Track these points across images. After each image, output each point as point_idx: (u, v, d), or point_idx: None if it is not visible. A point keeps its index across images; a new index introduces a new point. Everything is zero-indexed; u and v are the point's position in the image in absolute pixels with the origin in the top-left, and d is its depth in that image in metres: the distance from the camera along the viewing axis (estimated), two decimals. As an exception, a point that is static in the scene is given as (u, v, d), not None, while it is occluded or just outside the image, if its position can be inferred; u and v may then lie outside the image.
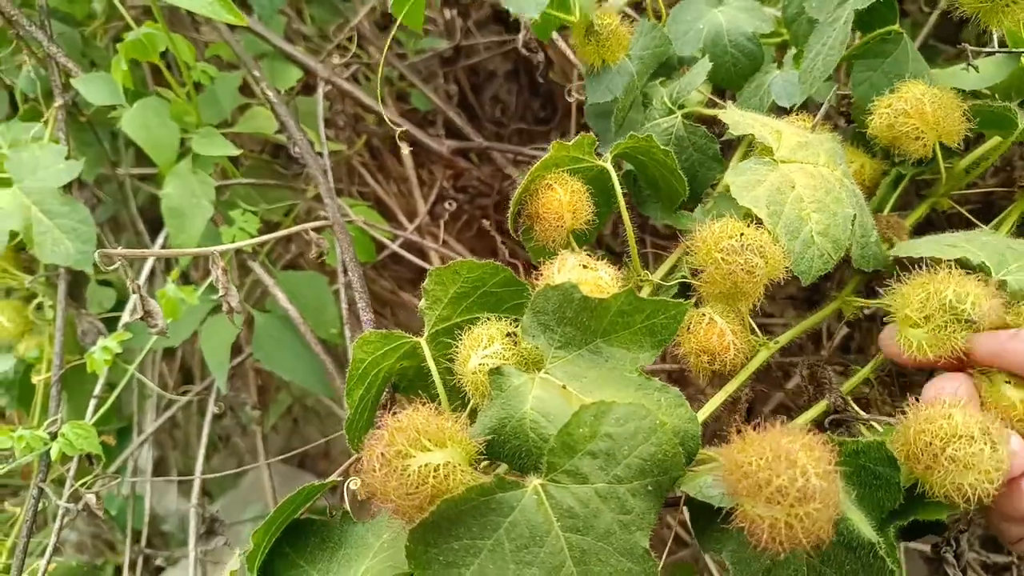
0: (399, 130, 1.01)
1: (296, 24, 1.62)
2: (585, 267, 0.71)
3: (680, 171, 0.84)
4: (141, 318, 0.85)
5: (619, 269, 0.86)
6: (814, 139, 0.82)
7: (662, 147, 0.82)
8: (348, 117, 1.51)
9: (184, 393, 1.43)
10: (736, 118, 0.82)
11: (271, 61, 1.42)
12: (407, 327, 1.75)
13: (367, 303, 0.95)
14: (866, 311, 0.84)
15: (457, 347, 0.73)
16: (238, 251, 1.27)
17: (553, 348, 0.69)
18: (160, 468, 1.73)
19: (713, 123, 0.99)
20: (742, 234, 0.70)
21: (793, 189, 0.75)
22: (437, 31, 1.72)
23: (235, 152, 1.20)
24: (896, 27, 0.90)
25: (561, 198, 0.80)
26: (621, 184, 0.91)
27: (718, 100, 0.99)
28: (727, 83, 0.99)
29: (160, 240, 1.26)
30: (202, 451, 1.26)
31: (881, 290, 0.90)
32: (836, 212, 0.76)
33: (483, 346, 0.71)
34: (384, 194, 1.59)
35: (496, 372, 0.67)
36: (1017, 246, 0.75)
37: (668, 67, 1.00)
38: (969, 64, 0.94)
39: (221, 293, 0.93)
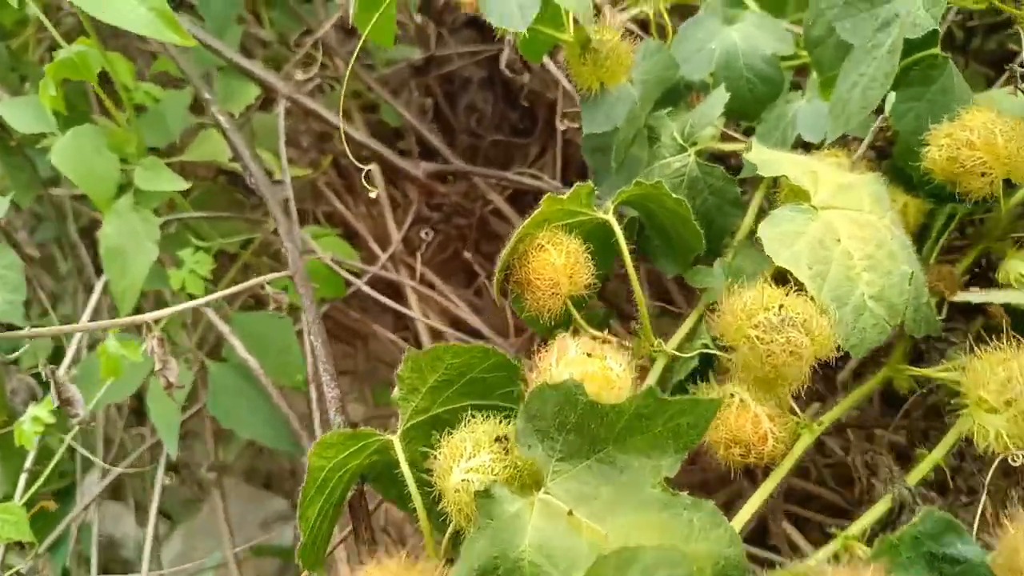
0: (365, 169, 0.86)
1: (254, 29, 1.47)
2: (590, 355, 0.57)
3: (695, 222, 0.71)
4: (58, 407, 0.70)
5: (628, 338, 0.73)
6: (855, 180, 0.69)
7: (675, 196, 0.68)
8: (313, 136, 1.36)
9: (137, 436, 1.29)
10: (765, 157, 0.68)
11: (225, 77, 1.26)
12: (379, 359, 1.62)
13: (332, 376, 0.81)
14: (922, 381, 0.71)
15: (436, 451, 0.60)
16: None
17: (554, 460, 0.55)
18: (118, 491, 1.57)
19: (728, 159, 0.85)
20: (781, 306, 0.57)
21: (839, 243, 0.62)
22: (408, 38, 1.57)
23: (183, 186, 1.05)
24: (938, 51, 0.77)
25: (555, 261, 0.66)
26: (626, 235, 0.78)
27: (733, 134, 0.86)
28: (743, 113, 0.86)
29: (99, 285, 1.11)
30: (152, 520, 1.11)
31: (935, 353, 0.77)
32: (891, 270, 0.62)
33: (466, 456, 0.57)
34: (354, 218, 1.44)
35: (484, 495, 0.53)
36: None
37: (674, 94, 0.87)
38: (1019, 88, 0.82)
39: (157, 367, 0.78)
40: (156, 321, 0.77)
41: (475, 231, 1.41)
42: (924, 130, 0.78)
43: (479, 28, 1.62)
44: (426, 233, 1.31)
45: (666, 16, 0.82)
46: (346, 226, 1.44)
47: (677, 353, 0.72)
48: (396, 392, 0.65)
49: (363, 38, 0.78)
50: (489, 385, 0.66)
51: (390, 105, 1.38)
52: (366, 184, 0.85)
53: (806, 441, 0.67)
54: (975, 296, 0.66)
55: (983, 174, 0.68)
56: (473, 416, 0.61)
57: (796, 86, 0.91)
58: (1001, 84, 1.05)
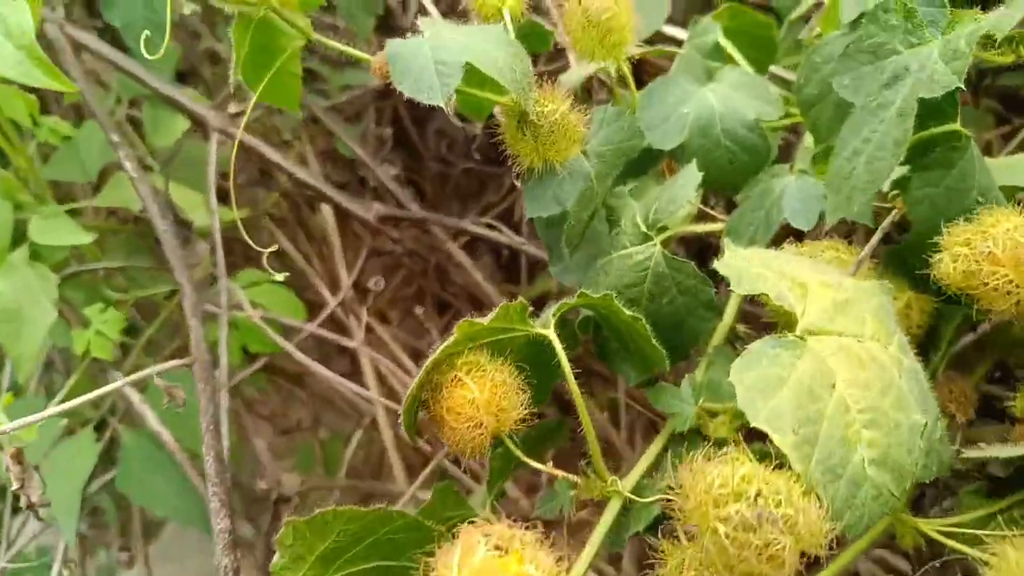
0: (266, 252, 0.72)
1: (210, 42, 1.32)
2: (502, 552, 0.43)
3: (655, 342, 0.57)
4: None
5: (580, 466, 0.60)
6: (854, 292, 0.56)
7: (629, 313, 0.55)
8: (252, 171, 1.23)
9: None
10: (739, 267, 0.55)
11: (152, 107, 1.13)
12: (329, 404, 1.48)
13: (222, 502, 0.68)
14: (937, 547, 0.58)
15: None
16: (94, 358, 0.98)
17: None
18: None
19: (704, 245, 0.72)
20: (758, 493, 0.44)
21: (833, 391, 0.48)
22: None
23: (85, 239, 0.91)
24: (958, 127, 0.64)
25: (476, 397, 0.53)
26: (572, 336, 0.65)
27: (710, 211, 0.72)
28: (721, 186, 0.72)
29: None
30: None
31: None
32: (898, 422, 0.49)
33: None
34: (302, 258, 1.31)
35: None
36: None
37: (642, 162, 0.73)
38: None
39: (15, 487, 0.65)
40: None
41: (432, 278, 1.28)
42: (939, 221, 0.65)
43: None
44: (375, 283, 1.18)
45: (629, 75, 0.68)
46: (294, 268, 1.31)
47: (633, 496, 0.59)
48: (276, 560, 0.52)
49: (253, 100, 0.64)
50: (398, 546, 0.54)
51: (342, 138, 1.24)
52: (267, 267, 0.70)
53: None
54: (992, 451, 0.53)
55: (1008, 292, 0.55)
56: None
57: (785, 153, 0.78)
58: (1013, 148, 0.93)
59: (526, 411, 0.57)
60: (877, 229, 0.66)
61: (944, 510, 0.67)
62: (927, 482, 0.61)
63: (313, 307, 1.24)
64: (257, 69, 0.62)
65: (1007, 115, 1.09)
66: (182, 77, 1.28)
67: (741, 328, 0.69)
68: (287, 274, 1.25)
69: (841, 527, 0.46)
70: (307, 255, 1.33)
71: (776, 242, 0.68)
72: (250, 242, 0.69)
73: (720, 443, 0.59)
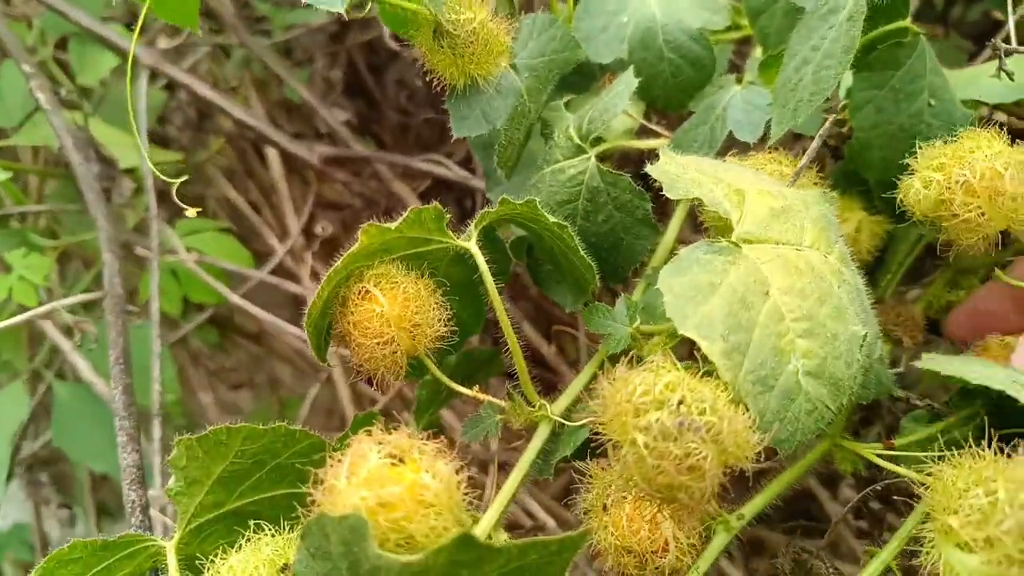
0: (190, 211, 0.66)
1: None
2: (397, 461, 0.39)
3: (584, 254, 0.53)
4: None
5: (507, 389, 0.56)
6: (794, 199, 0.51)
7: (554, 220, 0.51)
8: (191, 114, 1.16)
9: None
10: (672, 171, 0.50)
11: (79, 44, 1.06)
12: (284, 361, 1.43)
13: (130, 436, 0.63)
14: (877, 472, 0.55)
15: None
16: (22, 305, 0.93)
17: (348, 616, 0.38)
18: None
19: (644, 160, 0.67)
20: (680, 401, 0.39)
21: (767, 297, 0.44)
22: None
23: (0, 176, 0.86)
24: (908, 23, 0.60)
25: (386, 311, 0.49)
26: (504, 259, 0.60)
27: (652, 126, 0.68)
28: (665, 102, 0.67)
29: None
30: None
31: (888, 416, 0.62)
32: (836, 333, 0.45)
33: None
34: (250, 207, 1.25)
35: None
36: None
37: (584, 77, 0.68)
38: (1002, 69, 0.65)
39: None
40: None
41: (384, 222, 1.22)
42: (886, 126, 0.61)
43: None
44: (323, 228, 1.13)
45: (564, -22, 0.63)
46: (239, 218, 1.25)
47: (562, 420, 0.55)
48: (170, 484, 0.48)
49: (143, 11, 0.58)
50: (304, 471, 0.49)
51: (286, 79, 1.18)
52: (180, 203, 0.65)
53: (722, 541, 0.51)
54: (936, 364, 0.49)
55: (979, 226, 0.51)
56: (260, 527, 0.45)
57: (735, 68, 0.73)
58: (983, 61, 0.88)
59: (444, 328, 0.52)
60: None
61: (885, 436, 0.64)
62: (865, 404, 0.58)
63: (263, 259, 1.19)
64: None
65: (977, 51, 1.05)
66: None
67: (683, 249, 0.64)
68: (230, 224, 1.21)
69: (770, 439, 0.42)
70: (256, 205, 1.27)
71: (718, 156, 0.64)
72: (160, 176, 0.63)
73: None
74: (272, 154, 1.22)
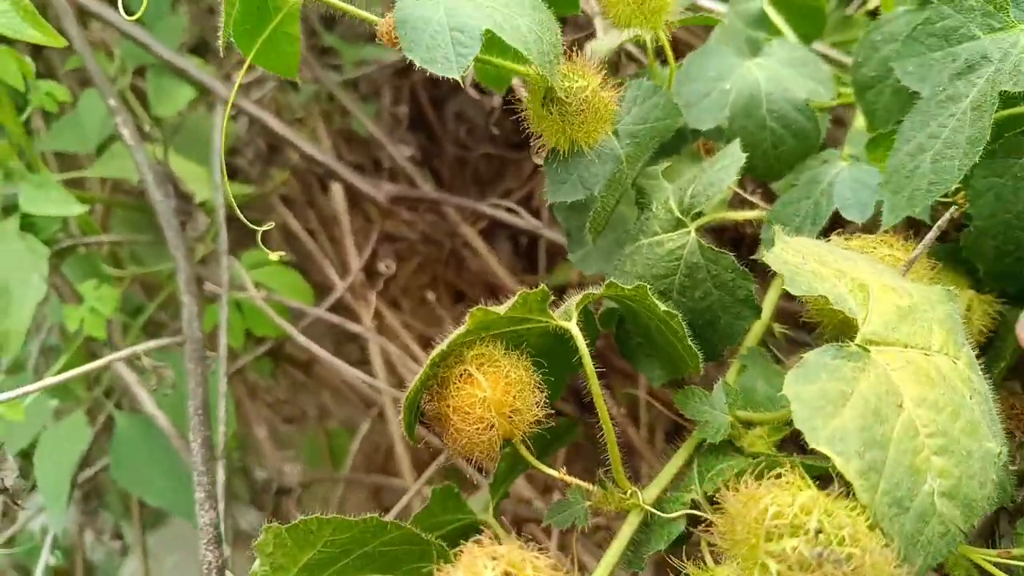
0: (260, 230, 0.64)
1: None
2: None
3: (689, 342, 0.50)
4: None
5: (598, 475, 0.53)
6: (919, 298, 0.48)
7: (663, 308, 0.48)
8: (261, 146, 1.15)
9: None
10: (793, 263, 0.47)
11: (157, 76, 1.06)
12: (336, 393, 1.41)
13: (208, 493, 0.62)
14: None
15: None
16: (89, 338, 0.92)
17: None
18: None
19: (740, 232, 0.64)
20: (819, 530, 0.36)
21: (901, 411, 0.41)
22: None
23: (76, 210, 0.85)
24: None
25: (488, 396, 0.46)
26: (591, 327, 0.57)
27: (748, 196, 0.64)
28: (764, 172, 0.64)
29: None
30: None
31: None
32: (971, 449, 0.41)
33: None
34: (310, 238, 1.23)
35: None
36: None
37: (677, 140, 0.66)
38: None
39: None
40: None
41: (447, 264, 1.20)
42: (1004, 215, 0.57)
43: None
44: (387, 265, 1.10)
45: (667, 45, 0.60)
46: (303, 251, 1.24)
47: (655, 511, 0.52)
48: (255, 567, 0.46)
49: (246, 63, 0.57)
50: (393, 559, 0.47)
51: (356, 114, 1.17)
52: (262, 247, 0.63)
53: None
54: None
55: None
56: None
57: (830, 137, 0.70)
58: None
59: (542, 412, 0.49)
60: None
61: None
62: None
63: (323, 291, 1.17)
64: (251, 31, 0.55)
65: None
66: (195, 53, 1.21)
67: (777, 328, 0.61)
68: (291, 256, 1.20)
69: (911, 570, 0.38)
70: (316, 236, 1.25)
71: (822, 235, 0.60)
72: (241, 217, 0.61)
73: (753, 457, 0.52)
74: (336, 188, 1.21)
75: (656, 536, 0.52)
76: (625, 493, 0.52)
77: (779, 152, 0.63)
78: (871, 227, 0.60)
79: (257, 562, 0.46)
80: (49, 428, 0.91)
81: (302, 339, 0.94)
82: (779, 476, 0.39)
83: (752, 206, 0.65)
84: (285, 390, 1.24)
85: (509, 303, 0.46)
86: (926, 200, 0.51)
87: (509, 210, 1.04)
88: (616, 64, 0.78)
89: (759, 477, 0.41)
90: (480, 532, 0.60)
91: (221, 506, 0.79)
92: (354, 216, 1.24)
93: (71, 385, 0.98)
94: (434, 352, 0.47)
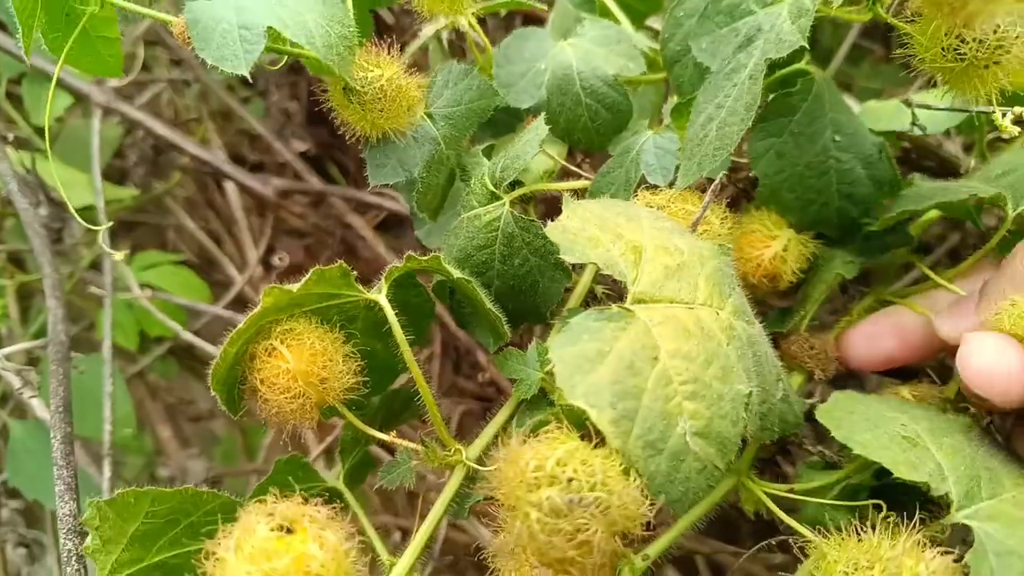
0: (101, 229, 0.65)
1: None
2: (286, 532, 0.39)
3: (491, 307, 0.53)
4: None
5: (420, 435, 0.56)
6: (690, 255, 0.51)
7: (457, 275, 0.50)
8: (147, 149, 1.15)
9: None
10: (571, 227, 0.49)
11: (32, 83, 1.05)
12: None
13: (68, 485, 0.63)
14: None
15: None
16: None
17: None
18: None
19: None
20: (571, 478, 0.39)
21: (656, 363, 0.44)
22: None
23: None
24: (804, 65, 0.60)
25: (292, 366, 0.48)
26: (427, 302, 0.60)
27: (574, 168, 0.67)
28: (586, 145, 0.67)
29: None
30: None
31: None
32: (722, 393, 0.44)
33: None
34: (209, 238, 1.24)
35: None
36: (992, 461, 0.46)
37: (511, 119, 0.68)
38: (914, 124, 0.66)
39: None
40: None
41: (340, 255, 1.21)
42: (792, 168, 0.61)
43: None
44: (280, 258, 1.11)
45: (479, 30, 0.62)
46: (201, 248, 1.24)
47: (476, 466, 0.54)
48: (87, 541, 0.48)
49: (59, 65, 0.57)
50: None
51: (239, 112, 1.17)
52: (107, 250, 0.64)
53: (628, 582, 0.51)
54: (829, 419, 0.49)
55: None
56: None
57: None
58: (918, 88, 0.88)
59: (354, 379, 0.52)
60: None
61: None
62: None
63: (224, 289, 1.18)
64: (63, 37, 0.55)
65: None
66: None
67: (600, 289, 0.64)
68: (190, 255, 1.20)
69: (664, 501, 0.41)
70: (216, 234, 1.26)
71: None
72: (90, 227, 0.62)
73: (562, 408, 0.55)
74: (230, 186, 1.21)
75: (478, 488, 0.54)
76: (449, 450, 0.55)
77: (596, 125, 0.65)
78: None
79: (88, 537, 0.48)
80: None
81: (189, 336, 0.95)
82: (547, 433, 0.42)
83: (578, 177, 0.67)
84: (193, 391, 1.25)
85: (304, 280, 0.48)
86: (712, 163, 0.54)
87: (392, 198, 1.06)
88: (462, 53, 0.80)
89: (535, 432, 0.43)
90: (339, 501, 0.63)
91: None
92: (252, 212, 1.25)
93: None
94: (235, 331, 0.49)
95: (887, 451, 0.46)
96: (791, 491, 0.52)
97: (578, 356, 0.43)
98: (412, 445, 0.56)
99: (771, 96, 0.56)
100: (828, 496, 0.51)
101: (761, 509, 0.55)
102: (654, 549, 0.52)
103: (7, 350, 0.74)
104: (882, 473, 0.49)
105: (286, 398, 0.49)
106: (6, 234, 1.13)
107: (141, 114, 1.05)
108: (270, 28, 0.50)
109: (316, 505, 0.41)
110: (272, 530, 0.39)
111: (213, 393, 0.51)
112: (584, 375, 0.42)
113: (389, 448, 0.89)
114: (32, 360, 1.04)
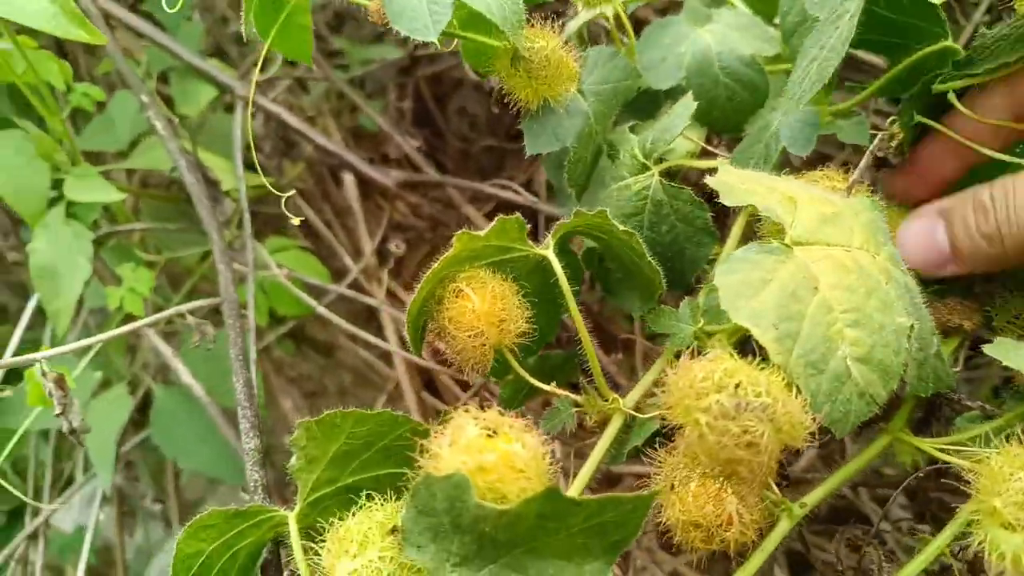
0: (284, 196, 0.74)
1: (234, 25, 1.36)
2: (491, 434, 0.45)
3: (650, 259, 0.58)
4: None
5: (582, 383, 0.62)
6: (844, 207, 0.56)
7: (622, 228, 0.56)
8: (278, 141, 1.25)
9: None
10: (729, 181, 0.56)
11: (180, 78, 1.16)
12: (356, 375, 1.51)
13: (252, 424, 0.71)
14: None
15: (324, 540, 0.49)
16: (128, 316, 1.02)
17: (450, 564, 0.43)
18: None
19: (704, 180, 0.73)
20: (737, 385, 0.45)
21: (816, 292, 0.49)
22: (393, 38, 1.45)
23: (116, 197, 0.95)
24: (949, 43, 0.64)
25: (476, 307, 0.55)
26: (576, 270, 0.66)
27: (712, 149, 0.73)
28: (723, 125, 0.73)
29: (31, 304, 1.01)
30: (84, 558, 1.01)
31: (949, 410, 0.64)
32: (883, 323, 0.50)
33: (352, 553, 0.46)
34: (325, 227, 1.33)
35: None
36: None
37: (650, 105, 0.74)
38: None
39: (57, 411, 0.68)
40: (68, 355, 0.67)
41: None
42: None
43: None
44: (396, 245, 1.20)
45: (625, 20, 0.69)
46: (318, 238, 1.34)
47: (635, 412, 0.60)
48: (293, 461, 0.55)
49: (265, 48, 0.66)
50: (406, 454, 0.55)
51: (364, 110, 1.27)
52: (287, 213, 0.73)
53: (784, 528, 0.55)
54: (1002, 352, 0.53)
55: None
56: (371, 497, 0.51)
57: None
58: None
59: (526, 325, 0.58)
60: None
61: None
62: (926, 404, 0.62)
63: (338, 277, 1.27)
64: (268, 22, 0.64)
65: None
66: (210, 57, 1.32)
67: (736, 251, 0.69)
68: (307, 244, 1.30)
69: (823, 419, 0.47)
70: (331, 226, 1.35)
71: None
72: (277, 193, 0.71)
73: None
74: (348, 179, 1.30)
75: (635, 434, 0.60)
76: (607, 400, 0.61)
77: (734, 104, 0.71)
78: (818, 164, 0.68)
79: (294, 457, 0.55)
80: (95, 400, 1.01)
81: (323, 311, 1.04)
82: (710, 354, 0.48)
83: (715, 157, 0.73)
84: (305, 369, 1.34)
85: (489, 227, 0.55)
86: (808, 94, 0.59)
87: (507, 189, 1.14)
88: (596, 40, 0.87)
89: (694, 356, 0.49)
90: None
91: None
92: (366, 206, 1.34)
93: (113, 361, 1.08)
94: (429, 272, 0.56)
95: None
96: (952, 443, 0.56)
97: (742, 283, 0.48)
98: (573, 395, 0.62)
99: (927, 73, 0.61)
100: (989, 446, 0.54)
101: (917, 460, 0.59)
102: (811, 498, 0.57)
103: (189, 305, 0.83)
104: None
105: (469, 336, 0.55)
106: (140, 217, 1.24)
107: (278, 108, 1.15)
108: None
109: (513, 417, 0.47)
110: (480, 430, 0.45)
111: (407, 332, 0.58)
112: (748, 299, 0.48)
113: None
114: (169, 333, 1.13)
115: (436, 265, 0.55)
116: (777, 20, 0.77)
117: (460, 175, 1.45)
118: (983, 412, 0.59)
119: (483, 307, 0.55)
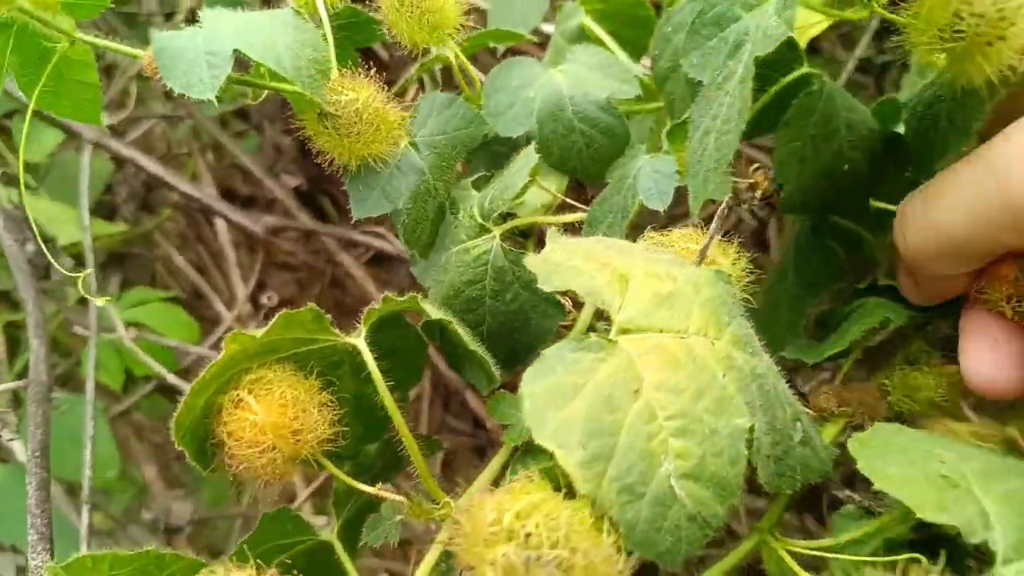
0: (81, 276, 0.66)
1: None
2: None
3: (476, 348, 0.52)
4: None
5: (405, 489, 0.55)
6: (684, 282, 0.50)
7: (436, 317, 0.50)
8: (138, 185, 1.17)
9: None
10: (554, 259, 0.49)
11: (22, 121, 1.07)
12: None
13: (41, 535, 0.63)
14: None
15: None
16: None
17: None
18: None
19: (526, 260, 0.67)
20: (528, 535, 0.38)
21: (638, 396, 0.43)
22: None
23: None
24: (808, 69, 0.60)
25: (260, 419, 0.48)
26: (419, 342, 0.60)
27: (573, 202, 0.67)
28: (584, 174, 0.67)
29: None
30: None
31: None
32: (715, 428, 0.43)
33: None
34: (198, 273, 1.25)
35: None
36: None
37: (511, 148, 0.68)
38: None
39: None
40: None
41: (330, 292, 1.22)
42: (807, 178, 0.60)
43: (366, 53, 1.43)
44: (268, 298, 1.12)
45: (466, 62, 0.63)
46: (192, 285, 1.25)
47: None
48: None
49: (30, 106, 0.58)
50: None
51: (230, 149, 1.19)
52: (83, 292, 0.64)
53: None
54: (861, 452, 0.47)
55: None
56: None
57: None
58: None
59: (331, 430, 0.51)
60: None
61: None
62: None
63: (212, 323, 1.19)
64: (36, 80, 0.56)
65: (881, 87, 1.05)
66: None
67: (602, 326, 0.63)
68: (179, 291, 1.21)
69: (653, 556, 0.40)
70: (205, 271, 1.27)
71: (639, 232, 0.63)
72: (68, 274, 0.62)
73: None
74: (220, 222, 1.22)
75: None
76: (437, 503, 0.54)
77: (592, 152, 0.65)
78: (682, 217, 0.63)
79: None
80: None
81: (171, 378, 0.95)
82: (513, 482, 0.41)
83: (575, 210, 0.67)
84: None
85: (268, 325, 0.48)
86: (715, 177, 0.53)
87: (381, 238, 1.07)
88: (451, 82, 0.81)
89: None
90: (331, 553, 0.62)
91: (84, 547, 0.81)
92: (241, 248, 1.26)
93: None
94: (196, 382, 0.48)
95: (914, 488, 0.44)
96: (818, 546, 0.50)
97: (550, 390, 0.42)
98: (397, 498, 0.55)
99: (793, 100, 0.57)
100: (864, 552, 0.49)
101: (788, 569, 0.53)
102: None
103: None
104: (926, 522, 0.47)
105: (255, 452, 0.48)
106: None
107: (131, 151, 1.07)
108: (236, 51, 0.50)
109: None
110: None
111: (179, 448, 0.50)
112: (556, 411, 0.41)
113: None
114: (18, 400, 1.04)
115: (206, 371, 0.48)
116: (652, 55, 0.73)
117: (346, 215, 1.38)
118: (856, 505, 0.53)
119: (269, 418, 0.48)
